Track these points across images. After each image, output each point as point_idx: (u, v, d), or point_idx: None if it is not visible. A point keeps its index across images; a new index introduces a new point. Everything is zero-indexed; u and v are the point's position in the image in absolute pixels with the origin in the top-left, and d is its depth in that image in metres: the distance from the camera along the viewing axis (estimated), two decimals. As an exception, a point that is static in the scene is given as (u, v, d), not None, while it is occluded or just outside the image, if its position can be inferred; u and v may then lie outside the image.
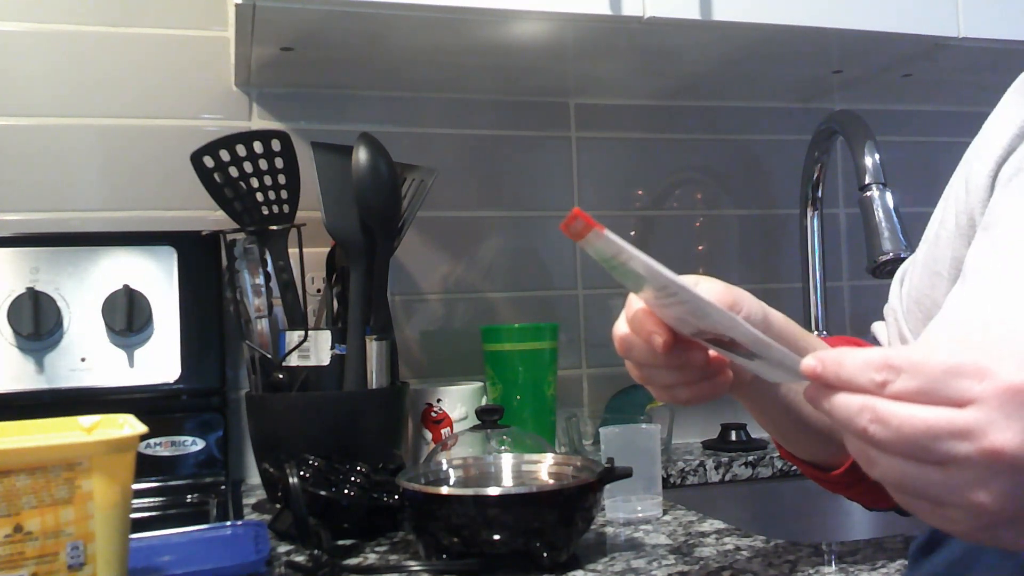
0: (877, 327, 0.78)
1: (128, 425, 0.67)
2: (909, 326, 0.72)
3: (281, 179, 1.08)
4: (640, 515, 0.92)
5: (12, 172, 1.17)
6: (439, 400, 1.14)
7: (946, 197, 0.71)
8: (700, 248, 1.47)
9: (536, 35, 1.10)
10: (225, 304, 1.13)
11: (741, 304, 0.62)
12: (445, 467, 0.88)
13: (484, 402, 1.17)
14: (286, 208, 1.08)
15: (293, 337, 1.02)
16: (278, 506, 0.90)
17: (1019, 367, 0.39)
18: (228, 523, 0.86)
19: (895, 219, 1.12)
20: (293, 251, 1.07)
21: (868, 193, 1.14)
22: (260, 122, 1.25)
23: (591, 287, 1.41)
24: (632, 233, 1.43)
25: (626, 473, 0.81)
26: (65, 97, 1.19)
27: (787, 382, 0.64)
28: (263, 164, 1.06)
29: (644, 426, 0.98)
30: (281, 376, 1.01)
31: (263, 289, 1.06)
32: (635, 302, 0.59)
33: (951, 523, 0.41)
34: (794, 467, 0.79)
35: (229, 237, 1.09)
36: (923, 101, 1.53)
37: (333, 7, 0.97)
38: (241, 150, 1.06)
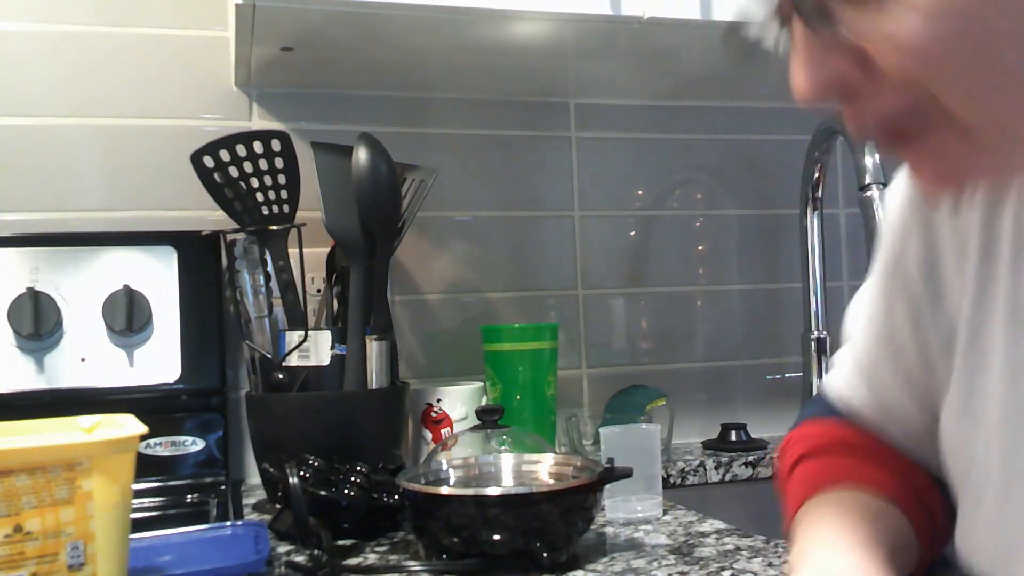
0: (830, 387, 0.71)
1: (128, 425, 0.67)
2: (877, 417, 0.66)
3: (281, 179, 1.07)
4: (640, 515, 0.92)
5: (12, 172, 1.17)
6: (439, 400, 1.14)
7: (894, 276, 0.61)
8: (700, 248, 1.47)
9: (536, 35, 1.10)
10: (225, 304, 1.13)
11: None
12: (445, 467, 0.88)
13: (484, 402, 1.17)
14: (286, 208, 1.08)
15: (293, 337, 1.02)
16: (278, 506, 0.90)
17: None
18: (228, 523, 0.86)
19: (895, 219, 1.12)
20: (293, 251, 1.07)
21: (868, 193, 1.14)
22: (260, 122, 1.25)
23: (591, 287, 1.41)
24: (632, 233, 1.43)
25: (626, 473, 0.81)
26: (65, 97, 1.19)
27: None
28: (263, 164, 1.06)
29: (644, 426, 0.98)
30: (281, 376, 1.01)
31: (263, 289, 1.06)
32: None
33: None
34: (794, 466, 0.78)
35: (229, 237, 1.09)
36: (923, 101, 1.53)
37: (333, 7, 0.97)
38: (241, 150, 1.06)
